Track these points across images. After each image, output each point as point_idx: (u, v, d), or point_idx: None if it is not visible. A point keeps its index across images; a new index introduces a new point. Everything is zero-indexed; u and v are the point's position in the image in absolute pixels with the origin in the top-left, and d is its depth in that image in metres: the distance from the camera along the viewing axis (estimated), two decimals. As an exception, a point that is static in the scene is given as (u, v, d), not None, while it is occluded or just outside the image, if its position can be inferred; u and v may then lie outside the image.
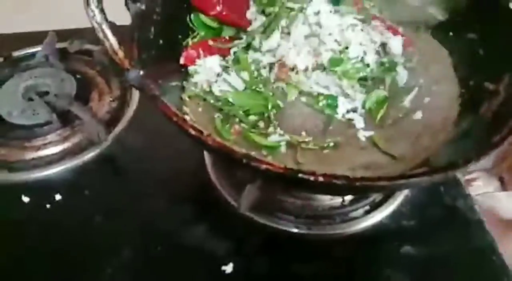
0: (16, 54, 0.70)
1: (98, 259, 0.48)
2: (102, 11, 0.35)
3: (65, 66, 0.66)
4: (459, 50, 0.51)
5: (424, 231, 0.50)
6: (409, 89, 0.49)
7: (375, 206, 0.51)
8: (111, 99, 0.64)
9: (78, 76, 0.65)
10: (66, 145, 0.58)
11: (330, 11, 0.50)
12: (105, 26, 0.35)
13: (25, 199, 0.53)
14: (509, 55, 0.44)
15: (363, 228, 0.50)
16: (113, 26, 0.42)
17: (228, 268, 0.47)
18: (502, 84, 0.43)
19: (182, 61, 0.49)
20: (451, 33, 0.52)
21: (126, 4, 0.43)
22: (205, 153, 0.55)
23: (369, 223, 0.50)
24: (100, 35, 0.36)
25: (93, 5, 0.35)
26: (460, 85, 0.49)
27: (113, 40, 0.36)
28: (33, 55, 0.69)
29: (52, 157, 0.57)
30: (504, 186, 1.30)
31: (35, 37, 0.71)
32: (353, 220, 0.50)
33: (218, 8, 0.50)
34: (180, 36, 0.51)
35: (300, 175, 0.31)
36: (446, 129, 0.44)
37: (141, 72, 0.38)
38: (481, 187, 1.32)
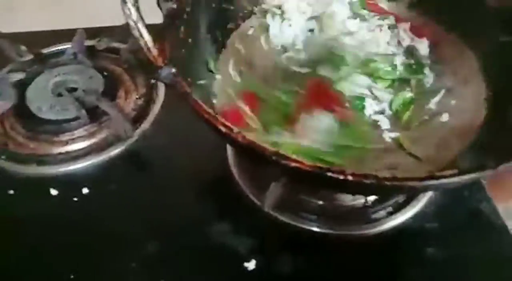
0: (45, 51, 0.72)
1: (123, 253, 0.49)
2: (138, 9, 0.36)
3: (93, 63, 0.67)
4: (488, 52, 0.50)
5: (447, 234, 0.50)
6: (435, 91, 0.49)
7: (398, 208, 0.51)
8: (137, 96, 0.65)
9: (105, 73, 0.66)
10: (93, 140, 0.59)
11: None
12: (140, 24, 0.36)
13: (54, 192, 0.55)
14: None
15: (385, 229, 0.50)
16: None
17: (251, 265, 0.47)
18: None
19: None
20: (480, 36, 0.52)
21: (158, 3, 0.45)
22: (229, 151, 0.56)
23: (391, 224, 0.50)
24: (136, 33, 0.37)
25: (129, 3, 0.36)
26: (488, 88, 0.48)
27: (148, 38, 0.37)
28: (62, 52, 0.70)
29: (79, 151, 0.58)
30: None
31: (64, 35, 0.73)
32: (375, 222, 0.50)
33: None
34: (208, 35, 0.52)
35: (329, 173, 0.32)
36: (473, 132, 0.44)
37: (173, 70, 0.39)
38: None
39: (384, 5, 0.58)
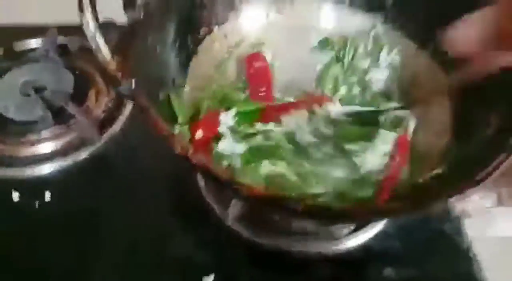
0: (16, 46, 0.70)
1: (84, 262, 0.49)
2: (96, 19, 0.35)
3: (65, 62, 0.66)
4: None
5: (408, 254, 0.50)
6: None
7: (360, 226, 0.51)
8: (108, 99, 0.64)
9: (77, 72, 0.65)
10: (59, 143, 0.58)
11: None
12: (98, 37, 0.35)
13: (15, 196, 0.54)
14: (504, 86, 0.43)
15: (347, 248, 0.49)
16: (112, 26, 0.42)
17: (209, 279, 0.47)
18: (494, 116, 0.43)
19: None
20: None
21: (124, 11, 0.43)
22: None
23: (353, 243, 0.50)
24: (93, 45, 0.36)
25: (87, 13, 0.35)
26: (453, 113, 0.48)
27: (105, 51, 0.36)
28: (33, 49, 0.69)
29: (44, 154, 0.57)
30: (501, 201, 1.30)
31: (36, 30, 0.71)
32: (337, 239, 0.50)
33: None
34: (177, 43, 0.50)
35: (281, 202, 0.32)
36: (434, 158, 0.44)
37: (133, 84, 0.38)
38: (477, 201, 1.32)
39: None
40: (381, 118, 0.49)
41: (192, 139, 0.45)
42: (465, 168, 0.39)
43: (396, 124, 0.48)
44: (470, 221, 1.15)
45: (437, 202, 0.32)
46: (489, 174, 0.35)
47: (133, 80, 0.38)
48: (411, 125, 0.48)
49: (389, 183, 0.43)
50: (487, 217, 1.21)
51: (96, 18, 0.36)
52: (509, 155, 0.36)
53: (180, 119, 0.46)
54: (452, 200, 0.33)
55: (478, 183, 0.33)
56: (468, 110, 0.46)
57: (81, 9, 0.36)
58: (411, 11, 0.54)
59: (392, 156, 0.45)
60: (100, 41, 0.36)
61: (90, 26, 0.35)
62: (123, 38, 0.40)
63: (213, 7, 0.53)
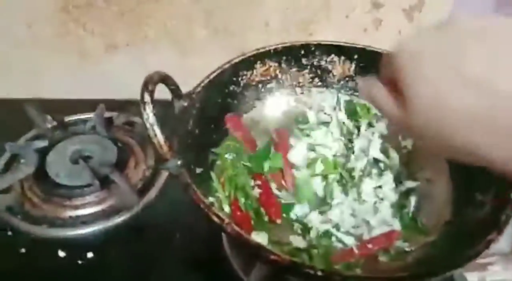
0: (67, 119, 0.80)
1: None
2: (154, 114, 0.44)
3: (109, 134, 0.75)
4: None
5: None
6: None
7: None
8: (145, 167, 0.72)
9: (119, 144, 0.74)
10: (101, 207, 0.66)
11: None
12: (155, 127, 0.44)
13: (61, 253, 0.60)
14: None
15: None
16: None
17: None
18: (489, 196, 0.49)
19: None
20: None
21: (172, 101, 0.53)
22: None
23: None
24: (151, 133, 0.44)
25: (148, 109, 0.44)
26: (454, 190, 0.55)
27: (160, 137, 0.44)
28: (82, 121, 0.79)
29: (88, 217, 0.65)
30: (522, 272, 1.29)
31: (86, 104, 0.82)
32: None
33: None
34: (212, 126, 0.59)
35: (302, 268, 0.38)
36: (436, 232, 0.50)
37: (179, 162, 0.46)
38: (498, 272, 1.31)
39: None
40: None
41: (233, 213, 0.53)
42: (458, 244, 0.45)
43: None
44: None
45: (439, 273, 0.38)
46: (480, 251, 0.40)
47: (179, 160, 0.46)
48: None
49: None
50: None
51: (154, 113, 0.44)
52: (499, 233, 0.42)
53: (219, 192, 0.53)
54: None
55: (469, 259, 0.39)
56: (467, 190, 0.52)
57: (143, 103, 0.44)
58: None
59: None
60: (157, 130, 0.44)
61: (150, 118, 0.44)
62: (173, 125, 0.49)
63: (242, 97, 0.63)
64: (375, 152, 0.59)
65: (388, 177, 0.58)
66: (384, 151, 0.60)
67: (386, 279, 0.40)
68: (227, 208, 0.54)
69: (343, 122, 0.64)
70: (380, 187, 0.57)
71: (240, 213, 0.53)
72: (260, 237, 0.50)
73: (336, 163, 0.60)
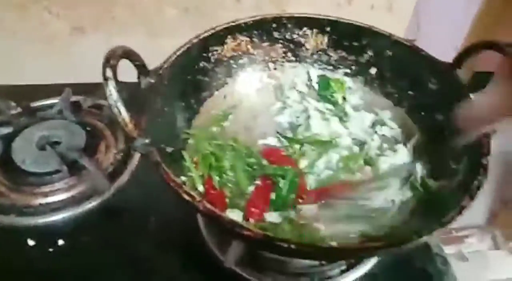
0: (33, 104, 0.77)
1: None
2: (118, 91, 0.42)
3: (77, 119, 0.73)
4: (428, 128, 0.57)
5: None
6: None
7: (350, 266, 0.56)
8: (116, 151, 0.70)
9: (88, 128, 0.72)
10: (71, 193, 0.63)
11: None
12: (119, 104, 0.42)
13: (31, 242, 0.58)
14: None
15: (339, 286, 0.54)
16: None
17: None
18: (462, 165, 0.49)
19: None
20: (422, 113, 0.59)
21: (138, 78, 0.51)
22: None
23: (344, 282, 0.54)
24: (115, 110, 0.42)
25: (111, 86, 0.42)
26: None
27: (125, 115, 0.42)
28: (49, 107, 0.76)
29: (58, 204, 0.62)
30: (496, 244, 1.33)
31: (52, 89, 0.78)
32: (329, 279, 0.54)
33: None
34: (183, 104, 0.57)
35: (275, 242, 0.37)
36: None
37: (147, 141, 0.44)
38: (474, 244, 1.35)
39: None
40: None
41: (206, 192, 0.51)
42: (434, 211, 0.45)
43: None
44: (466, 264, 1.18)
45: (409, 241, 0.38)
46: (453, 217, 0.40)
47: (147, 139, 0.44)
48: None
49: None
50: (483, 260, 1.25)
51: (118, 89, 0.42)
52: (471, 198, 0.42)
53: (193, 172, 0.52)
54: (425, 239, 0.39)
55: (444, 224, 0.39)
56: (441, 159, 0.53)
57: (105, 79, 0.42)
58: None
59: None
60: (121, 107, 0.42)
61: (113, 94, 0.42)
62: (138, 101, 0.47)
63: (214, 74, 0.61)
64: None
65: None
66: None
67: (358, 249, 0.39)
68: (200, 187, 0.52)
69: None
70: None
71: (214, 192, 0.52)
72: (234, 215, 0.49)
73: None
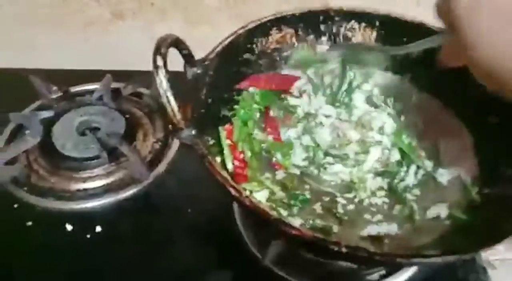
0: (73, 89, 0.77)
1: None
2: (168, 80, 0.41)
3: (117, 106, 0.73)
4: (480, 131, 0.55)
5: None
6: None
7: (391, 272, 0.54)
8: (154, 140, 0.69)
9: (127, 115, 0.71)
10: (110, 179, 0.64)
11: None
12: (169, 93, 0.41)
13: (69, 227, 0.58)
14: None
15: (378, 291, 0.52)
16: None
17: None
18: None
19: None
20: (473, 114, 0.56)
21: (185, 68, 0.50)
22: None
23: (384, 287, 0.53)
24: (165, 99, 0.41)
25: (161, 75, 0.41)
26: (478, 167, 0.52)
27: (174, 104, 0.41)
28: (89, 92, 0.76)
29: (96, 190, 0.63)
30: (524, 253, 1.29)
31: (92, 74, 0.79)
32: (369, 283, 0.53)
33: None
34: (225, 95, 0.56)
35: (325, 244, 0.35)
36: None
37: (193, 132, 0.43)
38: (501, 251, 1.31)
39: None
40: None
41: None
42: (491, 220, 0.42)
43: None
44: (494, 272, 1.15)
45: (465, 254, 0.36)
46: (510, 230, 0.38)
47: (194, 130, 0.43)
48: None
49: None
50: (511, 268, 1.21)
51: (168, 79, 0.41)
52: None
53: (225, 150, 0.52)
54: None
55: (500, 240, 0.37)
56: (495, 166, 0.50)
57: (155, 67, 0.41)
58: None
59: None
60: (170, 97, 0.41)
61: (163, 83, 0.41)
62: (186, 92, 0.46)
63: (257, 66, 0.59)
64: None
65: None
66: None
67: (407, 256, 0.38)
68: (230, 166, 0.51)
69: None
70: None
71: (239, 164, 0.51)
72: (260, 195, 0.48)
73: None
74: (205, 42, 0.53)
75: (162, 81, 0.41)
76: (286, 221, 0.37)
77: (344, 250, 0.35)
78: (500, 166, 0.49)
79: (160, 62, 0.41)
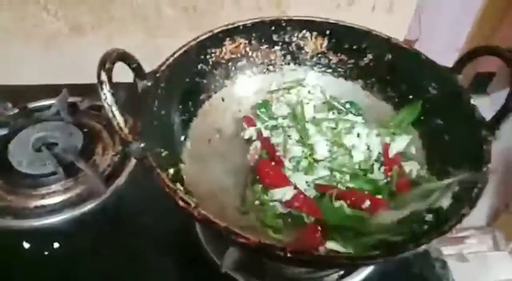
0: (30, 105, 0.76)
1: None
2: (112, 94, 0.41)
3: (75, 120, 0.72)
4: (428, 133, 0.57)
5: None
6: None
7: (348, 272, 0.55)
8: (113, 153, 0.69)
9: (85, 129, 0.71)
10: (68, 195, 0.63)
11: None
12: (114, 108, 0.41)
13: (26, 245, 0.57)
14: (469, 145, 0.49)
15: (335, 293, 0.53)
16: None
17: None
18: (461, 171, 0.48)
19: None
20: (422, 117, 0.58)
21: (135, 81, 0.50)
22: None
23: (341, 288, 0.54)
24: (110, 114, 0.41)
25: (105, 89, 0.41)
26: (427, 166, 0.54)
27: (120, 119, 0.42)
28: (46, 107, 0.75)
29: (54, 206, 0.62)
30: (497, 245, 1.33)
31: (49, 90, 0.78)
32: (327, 285, 0.54)
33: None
34: (180, 106, 0.57)
35: (271, 249, 0.36)
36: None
37: (142, 145, 0.44)
38: (474, 245, 1.35)
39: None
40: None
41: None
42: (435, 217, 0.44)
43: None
44: (466, 265, 1.17)
45: (407, 249, 0.37)
46: (452, 226, 0.40)
47: (142, 143, 0.43)
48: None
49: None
50: (483, 261, 1.24)
51: (112, 93, 0.41)
52: (470, 208, 0.42)
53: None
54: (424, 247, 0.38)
55: (443, 233, 0.38)
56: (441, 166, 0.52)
57: (100, 83, 0.42)
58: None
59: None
60: (116, 111, 0.41)
61: (108, 98, 0.41)
62: (135, 103, 0.46)
63: (212, 76, 0.60)
64: None
65: None
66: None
67: (351, 258, 0.39)
68: None
69: None
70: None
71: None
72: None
73: None
74: (165, 53, 0.54)
75: (106, 96, 0.41)
76: (234, 230, 0.38)
77: (289, 255, 0.36)
78: (446, 165, 0.52)
79: (104, 77, 0.42)
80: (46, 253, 0.57)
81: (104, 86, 0.41)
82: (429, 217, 0.47)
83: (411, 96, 0.60)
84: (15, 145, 0.67)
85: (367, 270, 0.56)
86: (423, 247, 0.38)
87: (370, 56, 0.62)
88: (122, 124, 0.42)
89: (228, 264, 0.52)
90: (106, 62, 0.42)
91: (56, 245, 0.58)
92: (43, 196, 0.63)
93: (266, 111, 0.62)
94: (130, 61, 0.48)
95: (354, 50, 0.63)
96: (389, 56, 0.61)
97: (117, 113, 0.42)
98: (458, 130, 0.52)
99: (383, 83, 0.62)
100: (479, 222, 1.35)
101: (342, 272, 0.55)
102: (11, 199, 0.62)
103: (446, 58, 0.57)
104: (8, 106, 0.73)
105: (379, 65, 0.62)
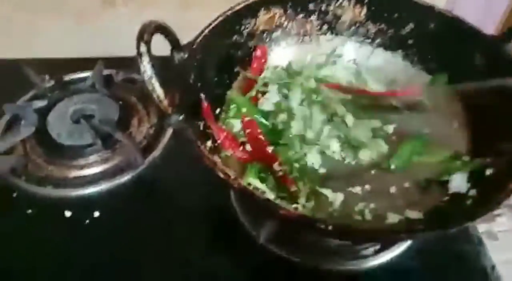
0: (66, 78, 0.77)
1: (124, 276, 0.54)
2: (152, 66, 0.41)
3: (110, 92, 0.73)
4: (474, 107, 0.55)
5: (429, 274, 0.54)
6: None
7: (385, 246, 0.55)
8: (149, 126, 0.70)
9: (121, 102, 0.71)
10: (106, 166, 0.64)
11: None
12: (154, 80, 0.41)
13: (67, 213, 0.59)
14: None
15: (371, 266, 0.53)
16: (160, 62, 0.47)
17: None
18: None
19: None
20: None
21: (172, 54, 0.50)
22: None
23: (378, 261, 0.53)
24: (150, 86, 0.41)
25: (145, 62, 0.41)
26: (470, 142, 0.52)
27: (159, 91, 0.42)
28: (82, 79, 0.76)
29: (92, 176, 0.63)
30: (528, 224, 1.29)
31: (85, 63, 0.78)
32: (363, 258, 0.53)
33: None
34: (216, 79, 0.56)
35: (313, 223, 0.36)
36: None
37: (181, 117, 0.44)
38: (505, 223, 1.32)
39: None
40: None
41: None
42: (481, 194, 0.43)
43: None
44: (496, 243, 1.15)
45: (456, 224, 0.36)
46: (501, 200, 0.38)
47: (181, 115, 0.43)
48: None
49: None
50: (512, 240, 1.21)
51: (152, 65, 0.41)
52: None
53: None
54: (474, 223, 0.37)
55: (490, 209, 0.37)
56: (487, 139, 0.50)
57: (139, 54, 0.42)
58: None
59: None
60: (155, 83, 0.41)
61: (147, 70, 0.41)
62: (173, 77, 0.46)
63: (247, 48, 0.59)
64: None
65: None
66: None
67: (397, 232, 0.38)
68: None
69: None
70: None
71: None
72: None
73: None
74: (198, 25, 0.53)
75: (146, 69, 0.41)
76: (274, 202, 0.38)
77: (329, 228, 0.35)
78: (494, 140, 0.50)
79: (143, 48, 0.41)
80: (87, 221, 0.59)
81: (143, 58, 0.41)
82: (472, 192, 0.46)
83: (454, 67, 0.57)
84: (54, 117, 0.68)
85: (404, 245, 0.55)
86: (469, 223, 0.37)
87: (411, 25, 0.60)
88: (162, 96, 0.42)
89: (266, 237, 0.53)
90: (144, 34, 0.42)
91: (96, 214, 0.59)
92: (82, 167, 0.64)
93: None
94: (167, 33, 0.47)
95: (395, 19, 0.60)
96: (432, 25, 0.58)
97: (157, 85, 0.42)
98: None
99: (425, 54, 0.60)
100: (510, 200, 1.31)
101: (378, 247, 0.55)
102: (51, 169, 0.64)
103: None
104: (45, 78, 0.74)
105: (421, 34, 0.59)
